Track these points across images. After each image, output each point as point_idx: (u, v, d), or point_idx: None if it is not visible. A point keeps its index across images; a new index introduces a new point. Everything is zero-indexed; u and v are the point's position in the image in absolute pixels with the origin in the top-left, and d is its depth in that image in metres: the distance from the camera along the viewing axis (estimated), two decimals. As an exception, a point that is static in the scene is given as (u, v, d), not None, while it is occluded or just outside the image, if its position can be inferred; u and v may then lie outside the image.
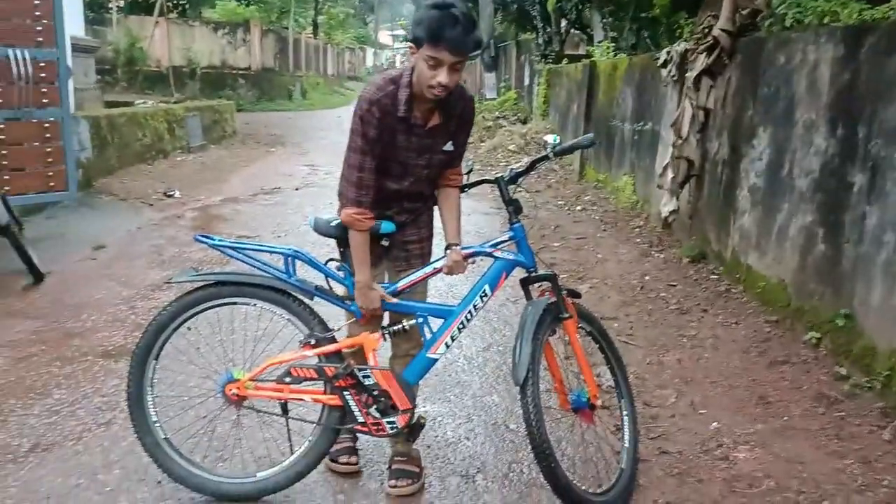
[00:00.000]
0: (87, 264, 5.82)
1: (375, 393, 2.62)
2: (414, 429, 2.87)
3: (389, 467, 2.91)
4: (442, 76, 2.39)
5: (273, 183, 10.13)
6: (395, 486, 2.83)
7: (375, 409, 2.64)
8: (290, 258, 2.64)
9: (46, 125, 6.56)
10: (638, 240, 6.68)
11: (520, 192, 2.81)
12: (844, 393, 3.54)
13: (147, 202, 8.38)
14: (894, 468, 2.97)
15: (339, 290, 2.73)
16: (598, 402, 2.78)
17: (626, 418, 2.93)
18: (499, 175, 2.76)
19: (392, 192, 2.69)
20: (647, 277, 5.57)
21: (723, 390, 3.74)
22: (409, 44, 2.46)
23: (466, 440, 3.27)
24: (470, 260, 2.74)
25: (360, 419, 2.65)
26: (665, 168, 6.16)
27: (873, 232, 3.65)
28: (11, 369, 3.83)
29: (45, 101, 6.51)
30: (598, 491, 2.71)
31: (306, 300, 2.69)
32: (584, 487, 2.66)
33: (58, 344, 4.19)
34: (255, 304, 2.70)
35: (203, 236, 2.67)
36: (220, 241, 2.68)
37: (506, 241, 2.74)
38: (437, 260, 2.74)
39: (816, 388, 3.64)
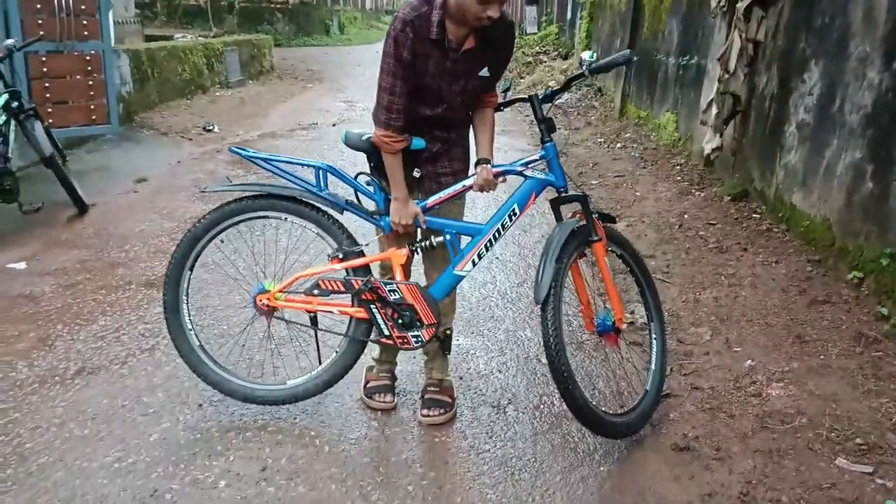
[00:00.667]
0: (129, 197, 5.92)
1: (401, 307, 2.65)
2: (444, 342, 2.90)
3: (422, 397, 2.97)
4: (493, 10, 2.36)
5: (310, 118, 10.12)
6: (427, 416, 2.88)
7: (401, 322, 2.68)
8: (321, 171, 2.67)
9: (88, 58, 6.62)
10: (678, 178, 6.55)
11: (558, 113, 2.78)
12: (885, 333, 3.47)
13: (187, 137, 8.45)
14: (932, 409, 2.92)
15: (370, 205, 2.75)
16: (624, 325, 2.80)
17: (654, 342, 2.95)
18: (533, 93, 2.72)
19: (424, 118, 2.65)
20: (685, 216, 5.48)
21: (759, 328, 3.70)
22: None
23: (498, 373, 3.31)
24: (501, 178, 2.71)
25: (386, 332, 2.70)
26: (710, 103, 5.98)
27: (925, 169, 3.52)
28: (58, 296, 3.95)
29: (86, 33, 6.56)
30: (619, 412, 2.75)
31: (336, 214, 2.72)
32: (604, 409, 2.69)
33: (103, 273, 4.31)
34: (285, 218, 2.74)
35: (238, 148, 2.74)
36: (253, 153, 2.72)
37: (537, 160, 2.72)
38: (467, 178, 2.73)
39: (856, 327, 3.57)
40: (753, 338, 3.61)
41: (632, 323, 3.72)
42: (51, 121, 6.01)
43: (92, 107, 6.70)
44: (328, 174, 2.68)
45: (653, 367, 2.91)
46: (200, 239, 2.73)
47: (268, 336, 3.05)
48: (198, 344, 2.84)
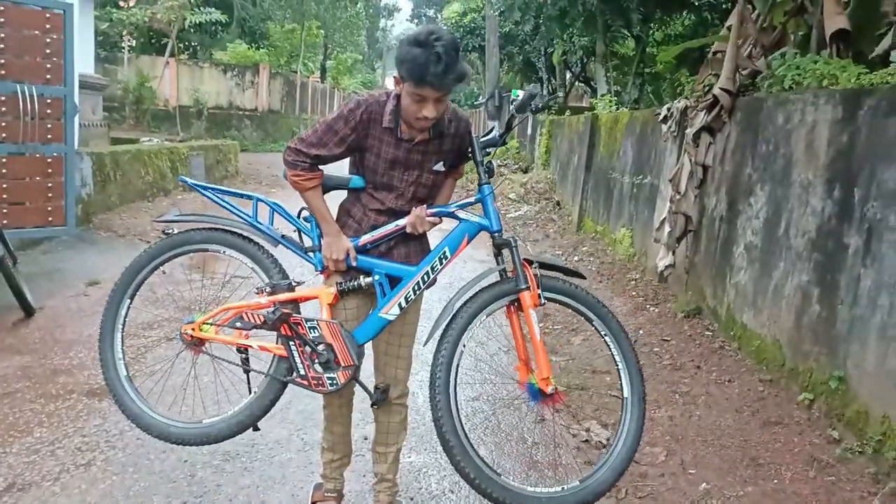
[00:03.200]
0: (80, 300, 5.79)
1: (320, 346, 2.59)
2: (379, 397, 2.77)
3: (371, 519, 2.86)
4: (427, 111, 2.41)
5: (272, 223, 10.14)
6: (376, 540, 2.76)
7: (318, 362, 2.61)
8: (258, 202, 2.73)
9: (49, 160, 6.61)
10: (634, 293, 6.66)
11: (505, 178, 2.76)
12: (836, 457, 3.48)
13: (145, 239, 8.38)
14: (887, 537, 2.90)
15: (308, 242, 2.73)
16: (549, 389, 2.60)
17: (628, 417, 2.67)
18: (475, 135, 2.67)
19: (377, 211, 2.65)
20: (640, 331, 5.53)
21: (714, 450, 3.68)
22: (395, 75, 2.45)
23: (451, 493, 3.21)
24: (436, 220, 2.66)
25: (302, 371, 2.63)
26: (662, 222, 6.17)
27: (868, 294, 3.63)
28: (-6, 405, 3.78)
29: (49, 136, 6.57)
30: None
31: (270, 248, 2.75)
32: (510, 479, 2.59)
33: (44, 380, 4.15)
34: (223, 252, 2.79)
35: (183, 178, 2.88)
36: (199, 183, 2.80)
37: (472, 202, 2.67)
38: (400, 220, 2.65)
39: (809, 450, 3.58)
40: (708, 459, 3.58)
41: (586, 441, 3.68)
42: (5, 221, 5.93)
43: (49, 208, 6.64)
44: (275, 212, 2.75)
45: (619, 444, 2.67)
46: (144, 268, 2.82)
47: (193, 370, 2.99)
48: (125, 374, 2.84)
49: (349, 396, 2.86)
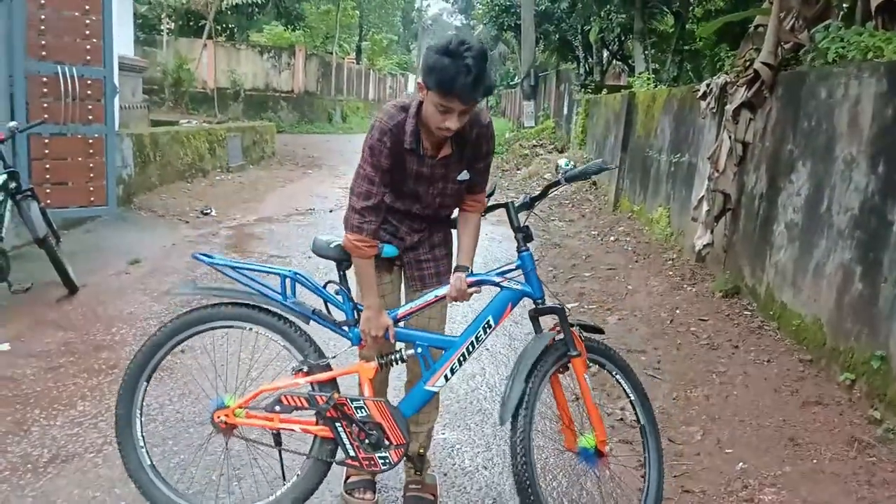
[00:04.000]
0: (121, 278, 5.91)
1: (368, 425, 2.50)
2: (416, 462, 2.82)
3: (404, 494, 2.88)
4: (451, 122, 2.34)
5: (308, 204, 10.24)
6: (408, 514, 2.78)
7: (367, 442, 2.51)
8: (287, 279, 2.56)
9: (90, 141, 6.73)
10: (670, 272, 6.58)
11: (532, 216, 2.70)
12: (877, 437, 3.41)
13: (184, 219, 8.52)
14: (929, 519, 2.84)
15: (338, 315, 2.63)
16: (606, 449, 2.61)
17: (650, 460, 2.73)
18: (510, 200, 2.64)
19: (402, 213, 2.67)
20: (677, 311, 5.47)
21: (751, 430, 3.63)
22: (419, 82, 2.38)
23: (484, 469, 3.22)
24: (475, 289, 2.59)
25: (352, 453, 2.53)
26: (700, 200, 6.07)
27: (913, 272, 3.53)
28: (39, 379, 3.88)
29: (90, 117, 6.69)
30: None
31: (302, 325, 2.59)
32: None
33: (86, 356, 4.25)
34: (250, 328, 2.61)
35: (202, 254, 2.61)
36: (219, 259, 2.62)
37: (513, 269, 2.60)
38: (439, 288, 2.62)
39: (849, 431, 3.51)
40: (745, 439, 3.54)
41: (621, 420, 3.66)
42: (49, 201, 6.06)
43: (91, 188, 6.77)
44: (295, 283, 2.59)
45: (649, 486, 2.70)
46: (162, 346, 2.58)
47: (225, 455, 2.83)
48: (149, 463, 2.62)
49: (385, 375, 2.88)
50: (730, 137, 5.76)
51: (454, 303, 2.62)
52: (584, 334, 2.63)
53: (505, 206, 2.64)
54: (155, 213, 8.61)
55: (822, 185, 4.55)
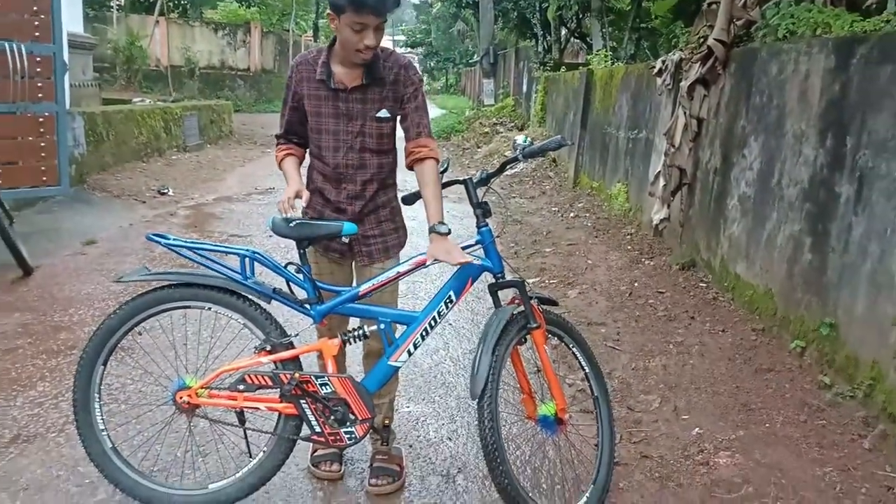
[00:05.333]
0: (77, 259, 5.82)
1: (332, 402, 2.51)
2: (383, 434, 2.86)
3: (371, 465, 2.92)
4: (368, 38, 2.47)
5: (267, 183, 10.14)
6: (375, 485, 2.83)
7: (333, 418, 2.52)
8: (246, 259, 2.53)
9: (41, 120, 6.54)
10: (629, 247, 6.70)
11: (492, 193, 2.73)
12: (827, 402, 3.55)
13: (140, 199, 8.38)
14: (873, 476, 2.98)
15: (299, 293, 2.61)
16: (567, 416, 2.67)
17: (603, 428, 2.80)
18: (467, 177, 2.67)
19: (332, 176, 2.72)
20: (636, 284, 5.58)
21: (707, 397, 3.75)
22: (329, 12, 2.50)
23: (449, 441, 3.28)
24: (466, 253, 2.57)
25: (318, 429, 2.54)
26: (657, 176, 6.17)
27: (859, 242, 3.66)
28: (-4, 361, 3.83)
29: (40, 95, 6.50)
30: None
31: (263, 304, 2.57)
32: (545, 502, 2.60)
33: (45, 337, 4.19)
34: (209, 308, 2.57)
35: (156, 235, 2.52)
36: (173, 240, 2.54)
37: (473, 245, 2.62)
38: (404, 261, 2.63)
39: (800, 396, 3.65)
40: (701, 405, 3.65)
41: (582, 391, 3.74)
42: (-1, 182, 5.91)
43: (43, 168, 6.59)
44: (254, 262, 2.55)
45: (601, 459, 2.77)
46: (116, 331, 2.53)
47: (189, 435, 2.81)
48: (110, 446, 2.59)
49: (342, 359, 2.90)
50: (685, 113, 5.85)
51: (437, 262, 2.55)
52: (543, 307, 2.68)
53: (463, 181, 2.67)
54: (110, 194, 8.45)
55: (773, 160, 4.67)
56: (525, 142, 2.69)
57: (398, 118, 2.73)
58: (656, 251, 6.41)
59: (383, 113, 2.66)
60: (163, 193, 8.81)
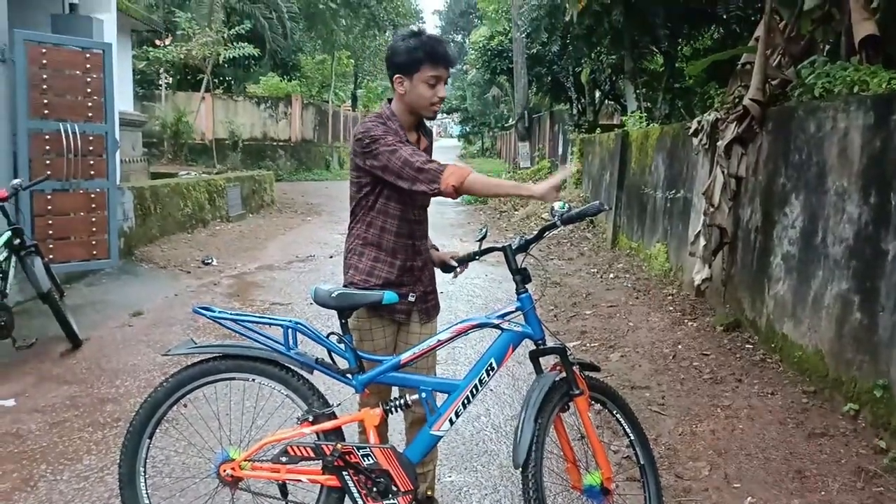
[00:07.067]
0: (124, 330, 5.93)
1: (375, 473, 2.49)
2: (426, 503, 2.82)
3: (412, 538, 2.87)
4: (441, 90, 2.68)
5: (308, 251, 10.30)
6: (419, 558, 2.77)
7: (376, 490, 2.49)
8: (289, 330, 2.55)
9: (92, 196, 6.82)
10: (671, 308, 6.60)
11: (530, 256, 2.71)
12: (884, 467, 3.40)
13: (185, 270, 8.56)
14: (940, 548, 2.83)
15: (341, 363, 2.62)
16: (613, 486, 2.62)
17: (651, 498, 2.75)
18: (507, 243, 2.67)
19: (408, 229, 2.80)
20: (679, 346, 5.48)
21: (758, 463, 3.62)
22: (398, 76, 2.66)
23: (492, 511, 3.21)
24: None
25: (360, 501, 2.50)
26: (697, 235, 6.13)
27: (909, 300, 3.57)
28: (44, 434, 3.89)
29: (92, 172, 6.79)
30: None
31: (305, 374, 2.59)
32: None
33: (91, 409, 4.26)
34: (253, 380, 2.59)
35: (202, 307, 2.57)
36: (218, 312, 2.57)
37: (513, 311, 2.62)
38: (441, 331, 2.63)
39: (855, 461, 3.51)
40: (753, 472, 3.53)
41: (628, 457, 3.65)
42: (51, 256, 6.11)
43: (93, 242, 6.83)
44: (296, 332, 2.58)
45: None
46: (162, 404, 2.55)
47: None
48: None
49: (384, 428, 2.89)
50: (723, 172, 5.84)
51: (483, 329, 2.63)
52: (585, 373, 2.65)
53: (502, 248, 2.67)
54: (156, 265, 8.65)
55: (815, 217, 4.61)
56: (563, 207, 2.66)
57: None
58: (699, 312, 6.31)
59: None
60: (207, 263, 8.99)
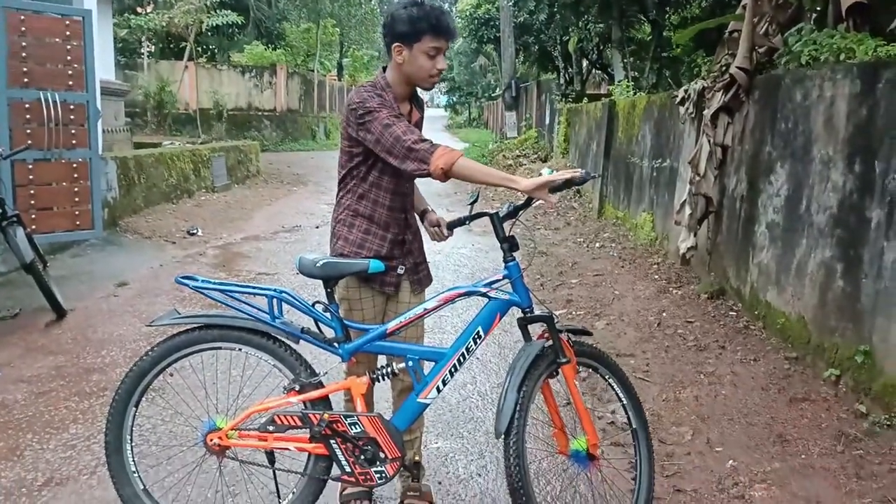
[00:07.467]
0: (109, 301, 5.91)
1: (363, 441, 2.50)
2: (414, 471, 2.84)
3: (401, 502, 2.90)
4: (441, 62, 2.63)
5: (294, 221, 10.26)
6: (405, 523, 2.80)
7: (363, 458, 2.51)
8: (274, 300, 2.54)
9: (75, 165, 6.74)
10: (656, 276, 6.64)
11: (517, 226, 2.71)
12: (864, 431, 3.47)
13: (170, 240, 8.51)
14: (917, 508, 2.89)
15: (328, 332, 2.62)
16: (598, 452, 2.64)
17: (641, 462, 2.76)
18: (494, 210, 2.65)
19: (400, 202, 2.78)
20: (664, 314, 5.52)
21: (740, 428, 3.68)
22: (397, 45, 2.60)
23: (478, 476, 3.25)
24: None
25: (348, 469, 2.52)
26: (683, 204, 6.14)
27: (892, 267, 3.61)
28: (31, 404, 3.88)
29: (74, 142, 6.70)
30: None
31: (292, 344, 2.59)
32: None
33: (77, 379, 4.25)
34: (239, 349, 2.59)
35: (185, 277, 2.55)
36: (202, 282, 2.55)
37: (500, 280, 2.60)
38: (428, 300, 2.62)
39: (836, 425, 3.57)
40: (735, 437, 3.58)
41: (612, 423, 3.69)
42: (34, 227, 6.06)
43: (77, 212, 6.77)
44: (282, 302, 2.56)
45: (639, 492, 2.72)
46: (147, 373, 2.55)
47: (219, 476, 2.78)
48: (142, 487, 2.60)
49: (370, 396, 2.90)
50: (709, 141, 5.84)
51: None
52: (574, 338, 2.66)
53: (489, 215, 2.65)
54: (141, 235, 8.59)
55: (800, 186, 4.63)
56: (550, 173, 2.65)
57: None
58: (684, 280, 6.35)
59: None
60: (192, 234, 8.94)
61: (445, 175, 2.45)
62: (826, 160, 4.34)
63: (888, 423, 3.42)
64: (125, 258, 7.42)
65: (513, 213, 2.67)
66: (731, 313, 5.33)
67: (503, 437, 2.42)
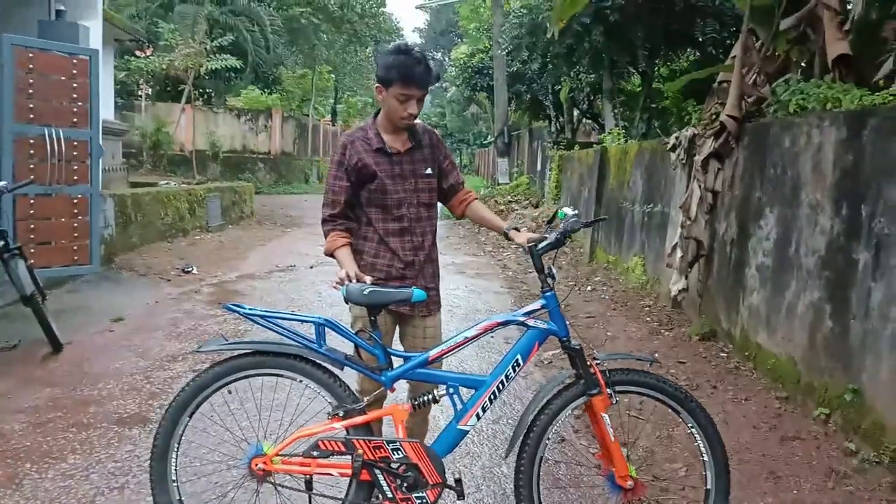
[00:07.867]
0: (105, 335, 5.92)
1: (404, 467, 2.55)
2: (457, 487, 2.85)
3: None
4: (412, 108, 2.82)
5: (288, 261, 10.31)
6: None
7: (405, 484, 2.55)
8: (320, 327, 2.62)
9: (75, 201, 6.82)
10: (648, 318, 6.72)
11: (508, 269, 2.83)
12: (854, 468, 3.52)
13: (166, 278, 8.55)
14: (907, 543, 2.94)
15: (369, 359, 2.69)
16: (627, 485, 2.64)
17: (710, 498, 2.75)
18: (532, 244, 2.72)
19: (398, 227, 2.93)
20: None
21: (733, 465, 3.69)
22: (378, 86, 2.84)
23: (484, 484, 3.27)
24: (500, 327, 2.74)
25: (390, 494, 2.55)
26: (674, 248, 6.27)
27: (879, 308, 3.71)
28: (28, 434, 3.89)
29: (75, 178, 6.79)
30: None
31: (336, 370, 2.66)
32: None
33: (74, 411, 4.26)
34: (283, 375, 2.67)
35: (234, 305, 2.64)
36: (250, 309, 2.63)
37: (538, 309, 2.67)
38: (468, 329, 2.68)
39: (827, 463, 3.63)
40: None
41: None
42: (33, 261, 6.09)
43: (75, 248, 6.82)
44: (326, 329, 2.64)
45: None
46: (208, 387, 2.64)
47: (255, 498, 2.80)
48: (178, 498, 2.65)
49: (425, 419, 3.01)
50: (700, 186, 5.99)
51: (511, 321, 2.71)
52: (618, 366, 2.71)
53: (528, 248, 2.73)
54: (136, 273, 8.63)
55: (789, 229, 4.75)
56: (574, 211, 2.74)
57: (439, 176, 3.03)
58: (675, 322, 6.43)
59: (428, 171, 2.98)
60: (187, 272, 8.98)
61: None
62: (814, 204, 4.48)
63: (877, 459, 3.48)
64: (121, 294, 7.44)
65: (554, 245, 2.71)
66: (721, 354, 5.41)
67: (515, 461, 2.53)
